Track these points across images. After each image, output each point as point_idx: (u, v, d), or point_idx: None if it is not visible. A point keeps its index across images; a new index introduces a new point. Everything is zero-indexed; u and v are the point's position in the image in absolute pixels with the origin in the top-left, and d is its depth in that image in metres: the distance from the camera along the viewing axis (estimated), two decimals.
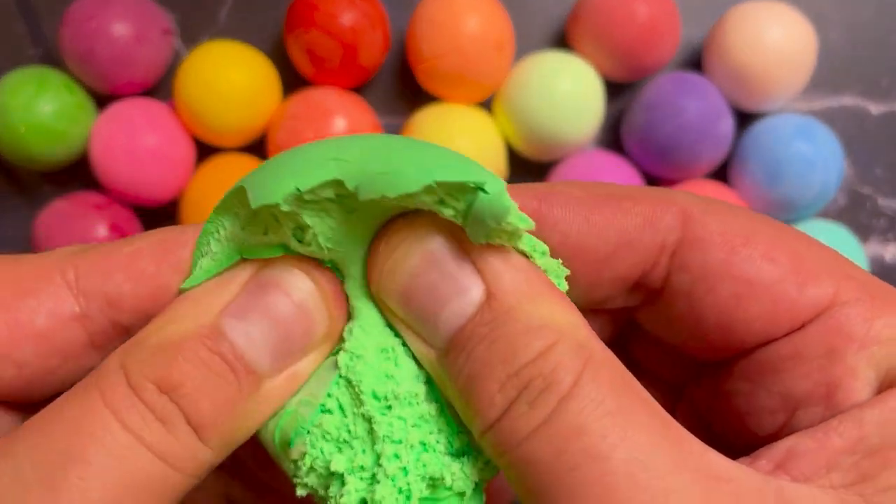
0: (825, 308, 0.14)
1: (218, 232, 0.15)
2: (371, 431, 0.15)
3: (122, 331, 0.15)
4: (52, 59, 0.39)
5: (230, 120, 0.36)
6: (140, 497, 0.13)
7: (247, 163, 0.37)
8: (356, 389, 0.15)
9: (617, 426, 0.12)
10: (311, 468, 0.15)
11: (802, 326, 0.15)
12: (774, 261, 0.14)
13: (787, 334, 0.15)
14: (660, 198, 0.15)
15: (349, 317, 0.15)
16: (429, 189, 0.13)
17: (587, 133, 0.37)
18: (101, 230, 0.36)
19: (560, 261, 0.15)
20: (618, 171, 0.37)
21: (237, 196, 0.14)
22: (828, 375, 0.14)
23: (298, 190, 0.13)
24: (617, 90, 0.40)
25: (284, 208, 0.14)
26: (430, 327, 0.14)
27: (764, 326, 0.15)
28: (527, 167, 0.40)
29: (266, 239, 0.15)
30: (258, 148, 0.38)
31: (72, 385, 0.14)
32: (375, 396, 0.15)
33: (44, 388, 0.15)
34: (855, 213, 0.42)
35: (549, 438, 0.12)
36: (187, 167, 0.37)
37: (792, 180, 0.37)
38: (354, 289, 0.15)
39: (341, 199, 0.14)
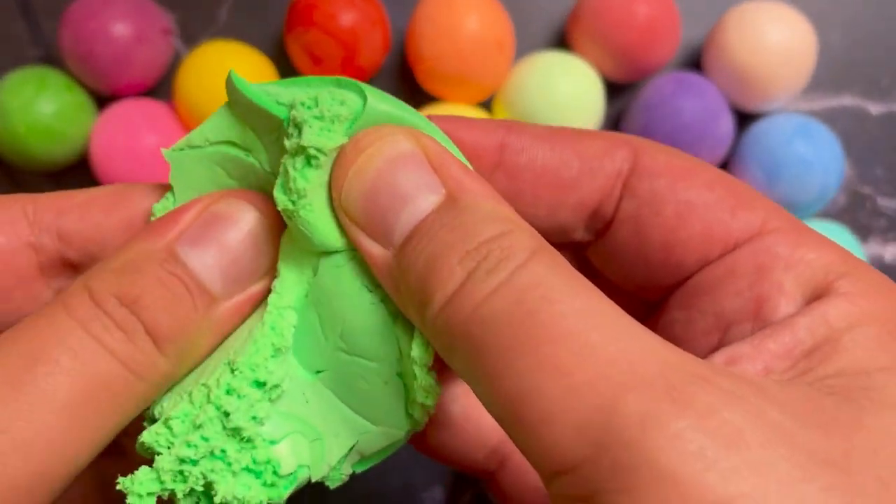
0: (756, 233, 0.16)
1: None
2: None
3: (69, 266, 0.17)
4: (51, 59, 0.39)
5: None
6: (102, 397, 0.14)
7: None
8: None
9: (574, 288, 0.13)
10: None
11: (735, 248, 0.16)
12: (712, 189, 0.16)
13: (720, 256, 0.16)
14: (613, 135, 0.17)
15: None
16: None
17: None
18: None
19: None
20: None
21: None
22: (756, 291, 0.15)
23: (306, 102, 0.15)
24: (617, 90, 0.40)
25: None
26: (390, 224, 0.14)
27: (701, 246, 0.16)
28: None
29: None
30: None
31: (25, 314, 0.15)
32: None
33: None
34: (855, 213, 0.42)
35: (508, 293, 0.13)
36: None
37: (792, 180, 0.37)
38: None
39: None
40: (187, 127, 0.37)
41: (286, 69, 0.38)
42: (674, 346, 0.13)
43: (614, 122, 0.40)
